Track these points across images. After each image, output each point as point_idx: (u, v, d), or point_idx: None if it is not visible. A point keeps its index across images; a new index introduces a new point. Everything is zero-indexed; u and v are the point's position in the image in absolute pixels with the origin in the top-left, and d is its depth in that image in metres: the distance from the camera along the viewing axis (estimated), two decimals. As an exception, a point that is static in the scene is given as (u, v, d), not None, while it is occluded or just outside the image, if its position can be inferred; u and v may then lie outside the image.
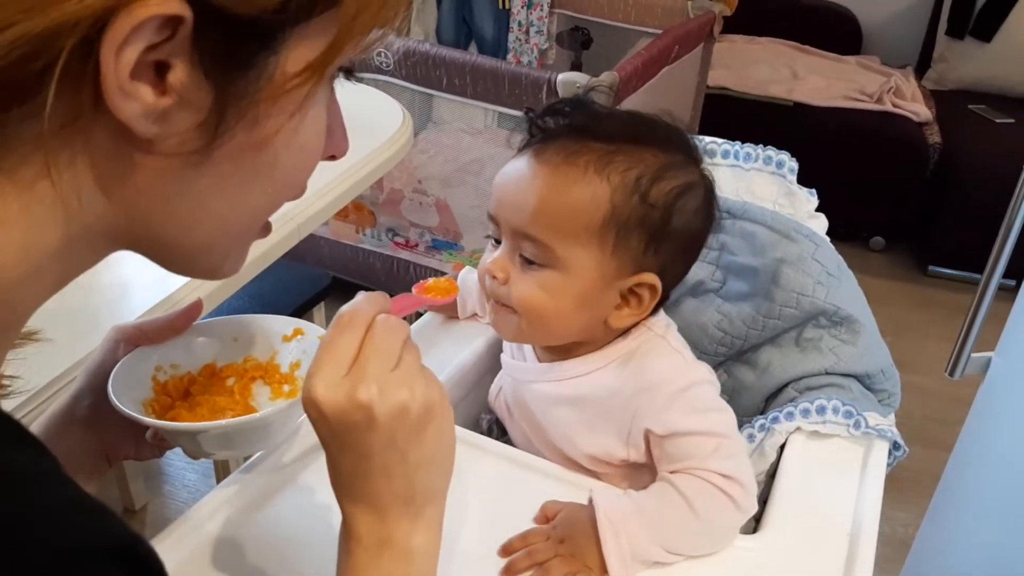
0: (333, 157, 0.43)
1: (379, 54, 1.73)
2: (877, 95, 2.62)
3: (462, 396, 0.80)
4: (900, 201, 2.52)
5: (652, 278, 0.64)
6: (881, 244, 2.60)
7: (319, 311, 1.52)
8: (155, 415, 0.57)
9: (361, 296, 0.47)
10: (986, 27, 2.69)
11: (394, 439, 0.43)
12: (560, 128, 0.64)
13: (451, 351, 0.81)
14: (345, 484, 0.45)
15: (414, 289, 0.59)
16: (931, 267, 2.51)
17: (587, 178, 0.61)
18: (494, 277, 0.65)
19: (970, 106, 2.67)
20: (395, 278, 1.98)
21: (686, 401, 0.63)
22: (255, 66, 0.33)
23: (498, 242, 0.66)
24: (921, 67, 2.93)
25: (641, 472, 0.66)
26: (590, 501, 0.60)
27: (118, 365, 0.57)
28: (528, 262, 0.63)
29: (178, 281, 0.83)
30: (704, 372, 0.67)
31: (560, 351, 0.68)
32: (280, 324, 0.62)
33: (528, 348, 0.72)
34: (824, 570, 0.59)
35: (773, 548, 0.60)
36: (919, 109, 2.58)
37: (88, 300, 0.81)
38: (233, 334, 0.63)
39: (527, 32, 2.52)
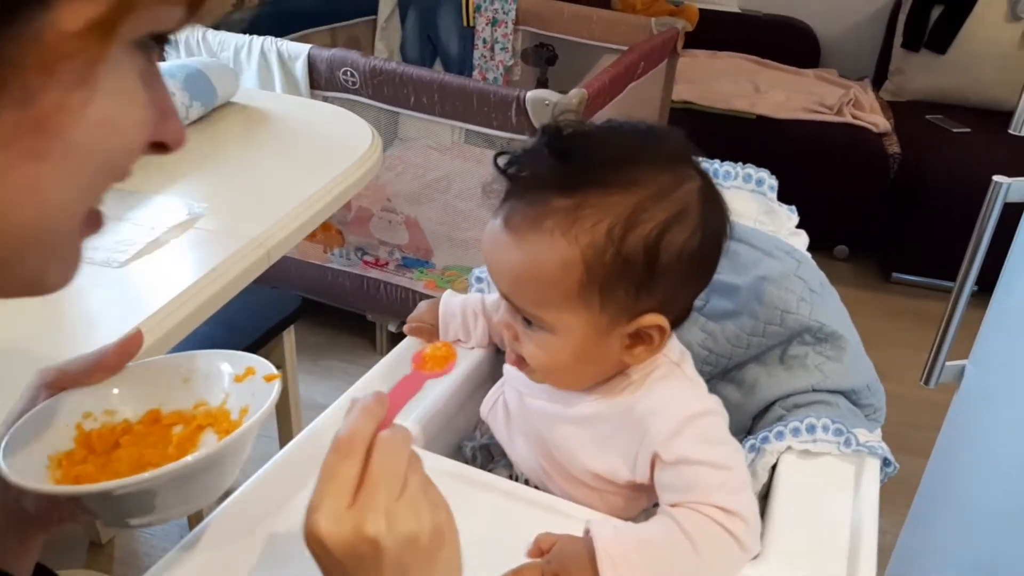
0: (165, 147, 0.37)
1: (345, 72, 1.70)
2: (837, 107, 2.67)
3: (444, 424, 0.78)
4: (862, 210, 2.56)
5: (654, 319, 0.60)
6: (845, 253, 2.64)
7: (289, 334, 1.49)
8: (61, 472, 0.49)
9: (357, 408, 0.45)
10: (940, 39, 2.76)
11: (405, 571, 0.42)
12: (524, 183, 0.60)
13: (434, 379, 0.78)
14: None
15: (411, 364, 0.57)
16: (895, 274, 2.55)
17: (554, 244, 0.57)
18: (505, 336, 0.64)
19: (927, 116, 2.73)
20: (365, 297, 1.95)
21: (697, 429, 0.61)
22: (16, 22, 0.27)
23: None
24: (878, 79, 2.99)
25: (641, 494, 0.65)
26: (586, 533, 0.58)
27: (27, 415, 0.50)
28: (526, 321, 0.62)
29: (148, 311, 0.80)
30: (715, 404, 0.65)
31: None
32: (233, 362, 0.56)
33: None
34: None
35: (773, 574, 0.59)
36: (878, 120, 2.63)
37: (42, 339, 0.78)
38: (184, 374, 0.56)
39: (492, 49, 2.52)
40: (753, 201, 0.77)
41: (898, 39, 2.86)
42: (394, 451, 0.44)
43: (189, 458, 0.46)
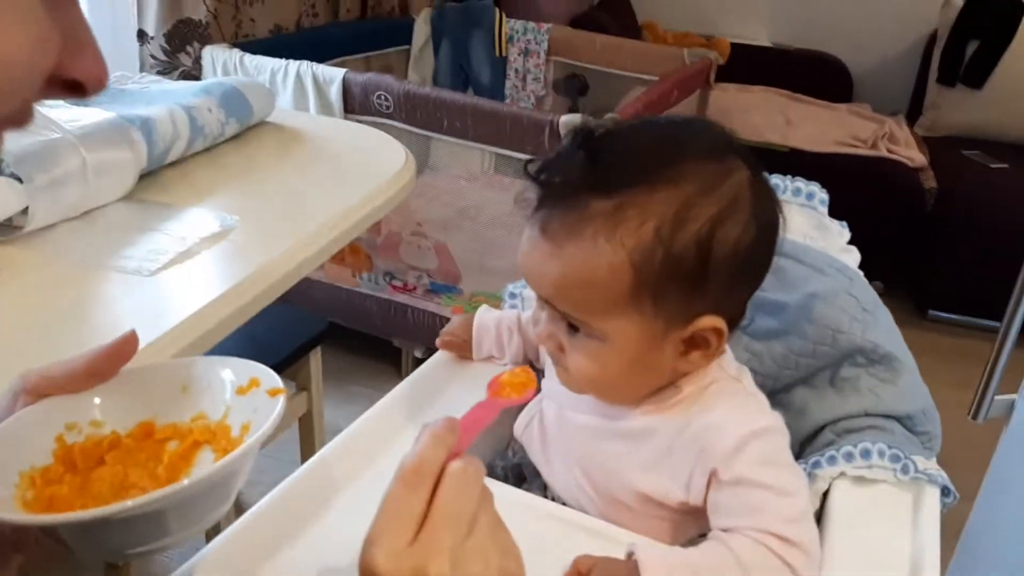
0: (80, 87, 0.33)
1: (379, 96, 1.71)
2: (872, 141, 2.64)
3: (474, 442, 0.75)
4: (898, 246, 2.51)
5: (711, 321, 0.57)
6: (880, 288, 2.56)
7: (315, 356, 1.47)
8: (33, 492, 0.43)
9: (425, 435, 0.42)
10: (977, 74, 2.73)
11: None
12: (558, 188, 0.56)
13: (463, 395, 0.76)
14: None
15: (487, 391, 0.53)
16: (931, 311, 2.49)
17: (598, 250, 0.54)
18: (548, 348, 0.61)
19: (964, 152, 2.68)
20: (392, 322, 1.93)
21: (760, 448, 0.57)
22: None
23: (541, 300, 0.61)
24: (912, 114, 2.96)
25: (689, 521, 0.61)
26: (629, 556, 0.54)
27: (2, 424, 0.45)
28: (572, 329, 0.59)
29: (174, 319, 0.78)
30: (779, 421, 0.61)
31: None
32: (236, 371, 0.51)
33: None
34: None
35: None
36: (914, 155, 2.59)
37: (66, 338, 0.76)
38: (181, 382, 0.50)
39: (524, 79, 2.53)
40: (802, 216, 0.75)
41: (933, 74, 2.84)
42: (464, 486, 0.41)
43: (175, 486, 0.40)
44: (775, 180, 0.77)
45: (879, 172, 2.52)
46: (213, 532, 0.61)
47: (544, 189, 0.57)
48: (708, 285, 0.56)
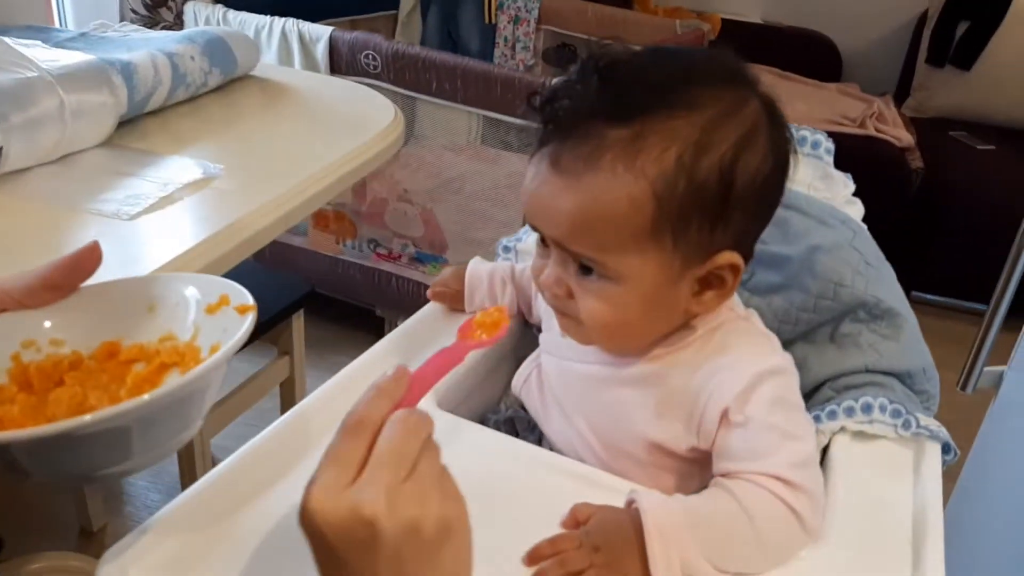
0: None
1: (366, 55, 1.67)
2: (860, 120, 2.63)
3: (466, 395, 0.73)
4: (883, 225, 2.48)
5: (730, 257, 0.55)
6: (865, 268, 2.58)
7: (298, 319, 1.44)
8: None
9: (371, 389, 0.40)
10: (966, 56, 2.72)
11: (402, 563, 0.37)
12: (569, 118, 0.53)
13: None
14: None
15: (457, 334, 0.49)
16: (915, 293, 2.50)
17: (617, 180, 0.51)
18: (555, 294, 0.57)
19: (951, 133, 2.69)
20: (376, 290, 1.90)
21: (772, 387, 0.55)
22: None
23: (543, 243, 0.58)
24: (900, 94, 2.95)
25: (695, 471, 0.59)
26: (629, 504, 0.53)
27: None
28: (584, 271, 0.55)
29: (154, 264, 0.75)
30: (790, 362, 0.59)
31: None
32: (204, 289, 0.48)
33: None
34: (890, 582, 0.52)
35: (834, 560, 0.53)
36: (901, 135, 2.58)
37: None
38: (148, 301, 0.47)
39: (513, 48, 2.49)
40: (808, 166, 0.73)
41: (922, 54, 2.83)
42: (406, 432, 0.39)
43: (136, 400, 0.38)
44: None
45: (867, 151, 2.51)
46: (189, 482, 0.58)
47: (553, 120, 0.54)
48: (729, 217, 0.53)
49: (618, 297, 0.55)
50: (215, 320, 0.47)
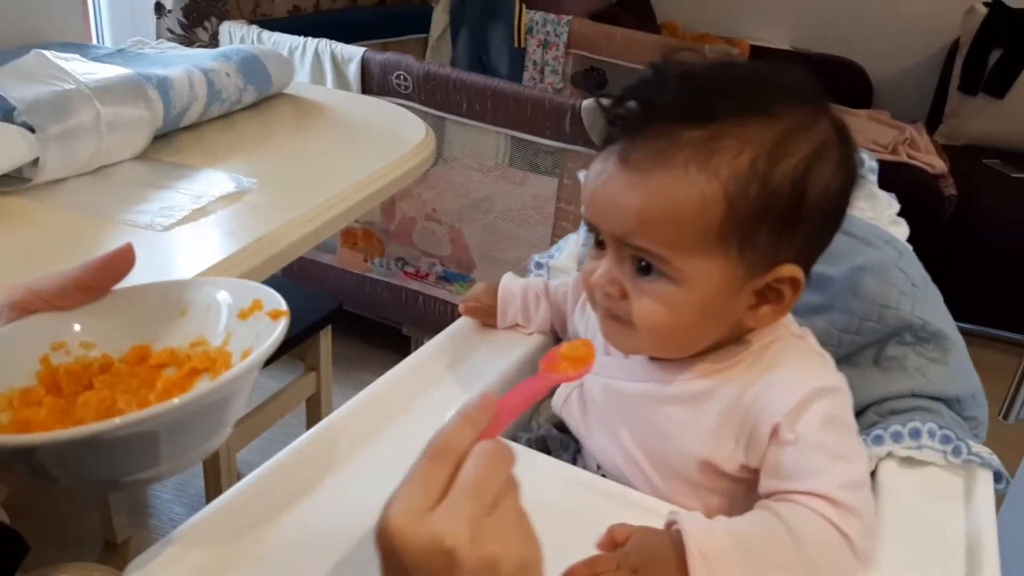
0: None
1: (398, 76, 1.68)
2: (891, 146, 2.60)
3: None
4: (916, 253, 2.47)
5: (792, 270, 0.54)
6: (896, 296, 2.54)
7: (325, 335, 1.44)
8: (9, 414, 0.40)
9: (457, 416, 0.39)
10: (999, 84, 2.69)
11: None
12: (641, 117, 0.53)
13: (487, 362, 0.72)
14: None
15: (541, 365, 0.48)
16: (948, 321, 2.45)
17: (690, 179, 0.50)
18: (607, 294, 0.56)
19: (984, 160, 2.65)
20: (403, 309, 1.90)
21: (826, 406, 0.53)
22: None
23: (599, 245, 0.57)
24: (932, 122, 2.92)
25: (742, 492, 0.57)
26: (669, 526, 0.51)
27: None
28: (642, 271, 0.54)
29: (186, 275, 0.75)
30: (845, 383, 0.57)
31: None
32: (237, 294, 0.47)
33: None
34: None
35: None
36: (934, 161, 2.55)
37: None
38: (180, 305, 0.47)
39: (542, 71, 2.50)
40: (851, 184, 0.71)
41: (954, 82, 2.80)
42: (491, 464, 0.38)
43: (165, 404, 0.36)
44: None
45: (899, 178, 2.45)
46: (214, 495, 0.57)
47: (624, 119, 0.54)
48: (796, 229, 0.53)
49: (676, 299, 0.53)
50: (247, 325, 0.46)
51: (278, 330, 0.43)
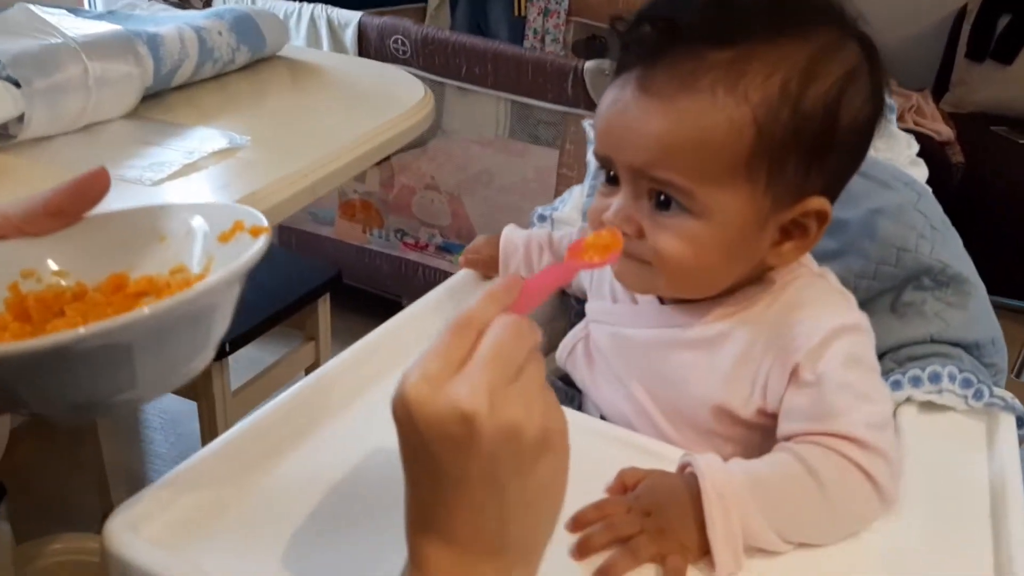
0: None
1: (396, 40, 1.64)
2: (898, 114, 2.56)
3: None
4: (923, 221, 2.44)
5: (820, 203, 0.51)
6: (902, 266, 2.51)
7: (323, 304, 1.41)
8: None
9: (483, 295, 0.37)
10: (1007, 50, 2.65)
11: (495, 467, 0.34)
12: (661, 41, 0.49)
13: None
14: (422, 513, 0.36)
15: (567, 254, 0.46)
16: (955, 291, 2.42)
17: (717, 103, 0.47)
18: (623, 232, 0.52)
19: (991, 128, 2.61)
20: (403, 280, 1.88)
21: (848, 345, 0.51)
22: None
23: (611, 181, 0.53)
24: (938, 90, 2.88)
25: (758, 439, 0.54)
26: (683, 468, 0.48)
27: None
28: (661, 206, 0.51)
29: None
30: (867, 321, 0.55)
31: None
32: (217, 216, 0.44)
33: None
34: (971, 559, 0.48)
35: (908, 534, 0.49)
36: (941, 128, 2.52)
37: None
38: (159, 231, 0.44)
39: (543, 40, 2.46)
40: (867, 123, 0.68)
41: (961, 49, 2.76)
42: (514, 334, 0.36)
43: (135, 312, 0.34)
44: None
45: (905, 145, 2.45)
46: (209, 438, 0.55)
47: (640, 42, 0.50)
48: (827, 158, 0.50)
49: (699, 234, 0.50)
50: (229, 248, 0.43)
51: (257, 245, 0.40)
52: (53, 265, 0.42)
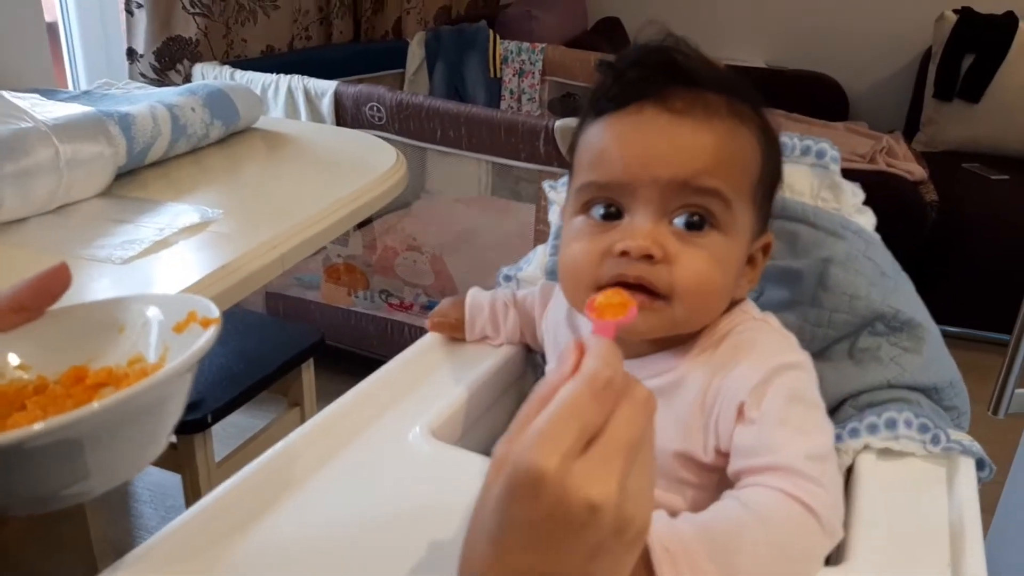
0: None
1: (371, 107, 1.68)
2: (870, 155, 2.60)
3: (466, 429, 0.69)
4: (901, 259, 2.46)
5: (769, 236, 0.58)
6: (886, 304, 2.53)
7: (307, 369, 1.42)
8: None
9: (604, 345, 0.37)
10: (973, 88, 2.72)
11: (595, 559, 0.34)
12: (661, 79, 0.52)
13: (454, 375, 0.71)
14: None
15: (589, 314, 0.44)
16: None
17: (742, 126, 0.54)
18: (648, 256, 0.51)
19: (964, 165, 2.66)
20: (389, 341, 1.88)
21: (789, 382, 0.53)
22: None
23: (609, 216, 0.54)
24: (909, 130, 2.94)
25: (726, 488, 0.55)
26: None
27: None
28: (693, 226, 0.52)
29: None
30: (809, 360, 0.57)
31: (652, 343, 0.57)
32: (172, 308, 0.46)
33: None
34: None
35: (865, 579, 0.49)
36: (913, 168, 2.55)
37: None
38: (118, 322, 0.46)
39: (519, 99, 2.51)
40: (813, 176, 0.70)
41: (929, 89, 2.82)
42: (642, 410, 0.36)
43: (84, 408, 0.34)
44: (784, 138, 0.72)
45: (879, 187, 2.45)
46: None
47: (645, 79, 0.52)
48: (772, 200, 0.58)
49: (724, 252, 0.53)
50: (183, 338, 0.44)
51: (205, 337, 0.42)
52: (15, 359, 0.44)
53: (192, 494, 1.26)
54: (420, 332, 1.85)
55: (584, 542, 0.33)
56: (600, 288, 0.52)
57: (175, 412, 0.42)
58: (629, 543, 0.35)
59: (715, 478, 0.56)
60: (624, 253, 0.51)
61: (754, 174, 0.54)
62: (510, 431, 0.36)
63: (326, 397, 1.62)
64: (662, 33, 0.55)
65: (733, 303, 0.58)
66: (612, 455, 0.34)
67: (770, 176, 0.56)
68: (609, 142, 0.53)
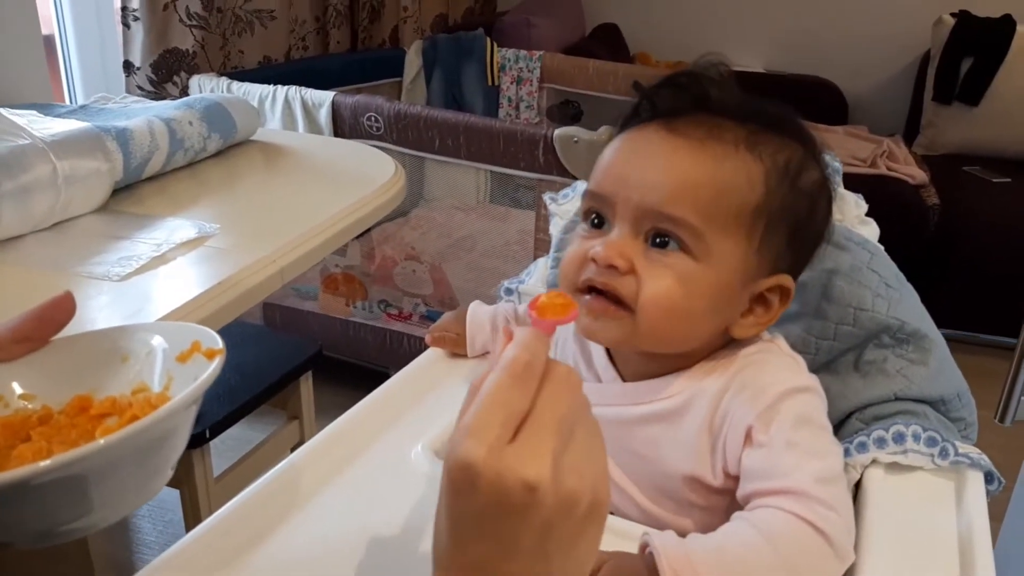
0: None
1: (369, 117, 1.68)
2: (870, 159, 2.60)
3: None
4: (902, 263, 2.45)
5: (788, 280, 0.56)
6: (888, 308, 2.52)
7: (306, 381, 1.41)
8: None
9: (526, 332, 0.37)
10: (972, 91, 2.71)
11: (547, 538, 0.34)
12: (687, 103, 0.54)
13: (455, 391, 0.70)
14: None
15: (530, 312, 0.43)
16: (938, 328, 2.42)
17: (739, 155, 0.53)
18: (611, 266, 0.52)
19: (964, 168, 2.65)
20: (388, 351, 1.87)
21: (797, 406, 0.53)
22: None
23: (596, 226, 0.55)
24: (909, 134, 2.93)
25: (736, 509, 0.54)
26: (643, 549, 0.48)
27: None
28: (659, 245, 0.52)
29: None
30: (817, 384, 0.57)
31: (657, 364, 0.57)
32: (175, 337, 0.46)
33: (603, 365, 0.61)
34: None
35: (874, 600, 0.48)
36: (914, 172, 2.55)
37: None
38: (121, 351, 0.46)
39: (517, 107, 2.51)
40: (815, 187, 0.69)
41: (928, 93, 2.82)
42: (572, 388, 0.36)
43: (89, 445, 0.34)
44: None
45: (880, 190, 2.48)
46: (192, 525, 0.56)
47: (670, 99, 0.54)
48: (802, 239, 0.56)
49: (693, 275, 0.52)
50: (187, 368, 0.44)
51: (210, 369, 0.41)
52: (19, 389, 0.43)
53: (191, 509, 1.25)
54: (419, 342, 1.85)
55: (530, 524, 0.34)
56: (578, 290, 0.54)
57: (180, 444, 0.42)
58: (582, 519, 0.35)
59: (725, 501, 0.55)
60: (595, 260, 0.53)
61: (744, 206, 0.53)
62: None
63: (325, 409, 1.62)
64: (713, 61, 0.56)
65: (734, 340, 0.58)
66: (541, 434, 0.34)
67: (781, 212, 0.54)
68: (608, 156, 0.56)
